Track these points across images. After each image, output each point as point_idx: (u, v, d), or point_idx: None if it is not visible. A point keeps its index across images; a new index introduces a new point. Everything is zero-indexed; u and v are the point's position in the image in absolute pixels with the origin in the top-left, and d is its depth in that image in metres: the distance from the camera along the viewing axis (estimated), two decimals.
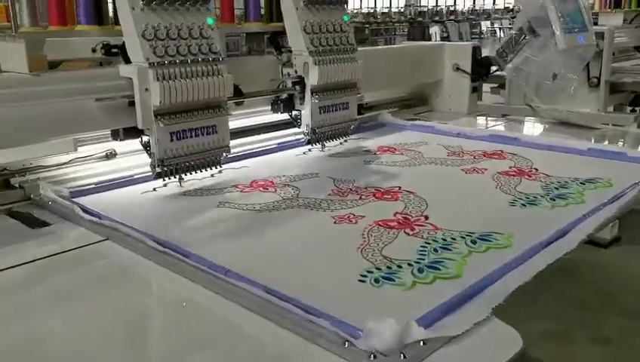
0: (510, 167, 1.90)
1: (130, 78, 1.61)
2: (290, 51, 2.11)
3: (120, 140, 1.74)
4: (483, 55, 2.96)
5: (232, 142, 2.16)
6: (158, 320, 1.09)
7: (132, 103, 1.64)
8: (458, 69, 2.96)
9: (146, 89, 1.62)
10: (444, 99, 3.04)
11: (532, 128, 2.76)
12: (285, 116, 2.18)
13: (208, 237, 1.37)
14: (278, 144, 2.21)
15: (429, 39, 5.55)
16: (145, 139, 1.70)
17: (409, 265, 1.19)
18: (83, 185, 1.71)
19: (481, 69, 2.94)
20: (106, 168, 1.85)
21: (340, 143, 2.29)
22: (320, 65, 2.06)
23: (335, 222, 1.44)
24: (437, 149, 2.18)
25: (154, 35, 1.60)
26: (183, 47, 1.66)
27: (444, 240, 1.31)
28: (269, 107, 2.18)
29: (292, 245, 1.33)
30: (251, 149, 2.13)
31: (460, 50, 2.97)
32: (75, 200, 1.61)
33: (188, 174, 1.75)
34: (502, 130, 2.31)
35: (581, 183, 1.71)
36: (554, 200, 1.57)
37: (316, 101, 2.09)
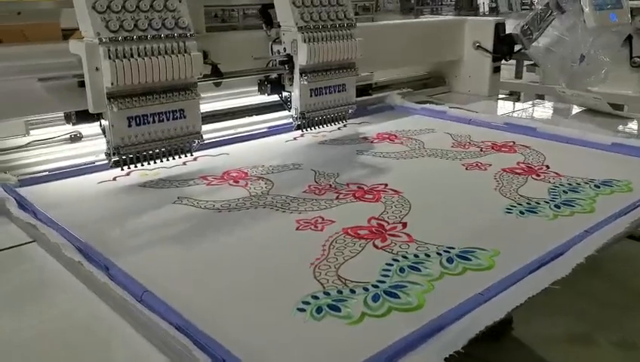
0: (519, 163, 1.67)
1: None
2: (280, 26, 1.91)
3: (72, 125, 1.59)
4: (507, 32, 2.68)
5: (217, 126, 2.01)
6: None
7: (83, 84, 1.47)
8: (479, 47, 2.70)
9: (97, 68, 1.45)
10: (464, 79, 2.79)
11: (559, 115, 2.48)
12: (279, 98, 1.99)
13: (147, 242, 1.21)
14: (269, 128, 2.03)
15: (477, 9, 5.24)
16: (104, 123, 1.54)
17: (365, 289, 1.00)
18: (36, 172, 1.57)
19: (503, 48, 2.67)
20: (70, 152, 1.71)
21: (338, 128, 2.09)
22: (310, 42, 1.85)
23: (298, 228, 1.25)
24: (442, 138, 1.95)
25: (107, 7, 1.43)
26: (143, 20, 1.48)
27: (416, 256, 1.11)
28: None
29: (236, 257, 1.14)
30: (236, 134, 1.95)
31: (481, 27, 2.70)
32: (23, 189, 1.47)
33: (152, 163, 1.58)
34: (518, 118, 2.06)
35: (595, 186, 1.47)
36: (559, 207, 1.34)
37: (305, 83, 1.88)
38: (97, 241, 1.17)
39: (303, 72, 1.89)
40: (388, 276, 1.04)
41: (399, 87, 2.72)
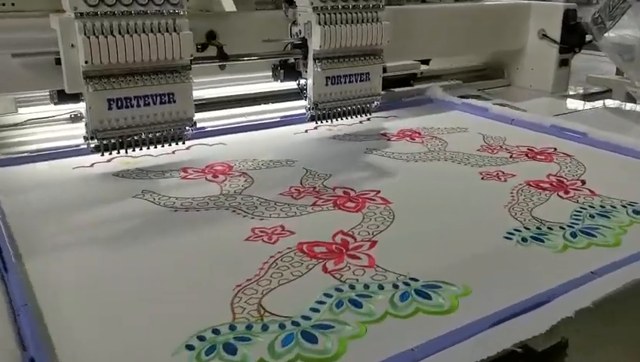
0: (549, 175, 1.40)
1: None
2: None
3: (55, 104, 1.50)
4: (578, 20, 2.34)
5: (228, 112, 1.88)
6: None
7: (60, 62, 1.37)
8: (544, 36, 2.38)
9: (72, 45, 1.34)
10: (525, 72, 2.48)
11: (629, 119, 2.13)
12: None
13: (76, 241, 1.09)
14: (282, 118, 1.86)
15: None
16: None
17: (281, 327, 0.82)
18: (18, 153, 1.50)
19: (572, 38, 2.34)
20: (68, 132, 1.64)
21: (360, 122, 1.89)
22: (325, 25, 1.65)
23: (249, 238, 1.09)
24: (471, 139, 1.71)
25: None
26: None
27: (366, 287, 0.92)
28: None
29: (154, 270, 0.99)
30: (243, 122, 1.80)
31: (548, 13, 2.38)
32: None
33: (138, 150, 1.47)
34: (569, 121, 1.76)
35: (634, 212, 1.19)
36: (574, 236, 1.09)
37: (319, 70, 1.70)
38: (26, 235, 1.07)
39: (317, 58, 1.70)
40: (318, 311, 0.85)
41: (449, 79, 2.46)
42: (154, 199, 1.27)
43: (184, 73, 1.48)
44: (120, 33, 1.36)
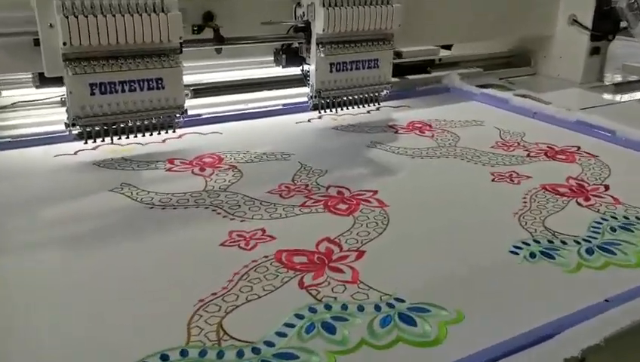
0: (569, 178, 1.27)
1: None
2: None
3: (36, 87, 1.41)
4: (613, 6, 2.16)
5: (227, 99, 1.77)
6: None
7: (38, 43, 1.28)
8: (575, 22, 2.20)
9: (51, 25, 1.25)
10: (553, 60, 2.31)
11: None
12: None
13: (37, 241, 0.99)
14: (284, 105, 1.75)
15: None
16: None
17: (252, 350, 0.72)
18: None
19: (605, 25, 2.16)
20: (58, 117, 1.55)
21: (367, 112, 1.76)
22: (329, 7, 1.53)
23: (224, 243, 0.99)
24: (486, 134, 1.57)
25: None
26: None
27: (344, 308, 0.81)
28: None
29: (109, 282, 0.88)
30: (241, 110, 1.69)
31: None
32: None
33: (125, 138, 1.38)
34: (597, 117, 1.60)
35: None
36: (591, 252, 0.96)
37: (322, 55, 1.58)
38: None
39: (320, 43, 1.58)
40: (284, 336, 0.75)
41: (469, 66, 2.31)
42: (131, 193, 1.17)
43: (173, 57, 1.38)
44: (102, 13, 1.26)
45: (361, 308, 0.81)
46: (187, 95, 1.76)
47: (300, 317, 0.79)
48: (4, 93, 1.54)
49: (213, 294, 0.83)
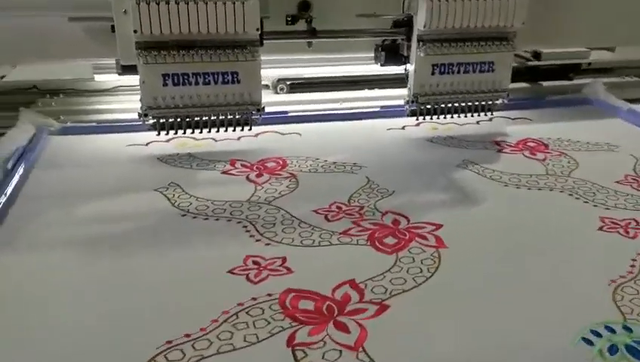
0: None
1: None
2: None
3: (119, 75, 1.39)
4: None
5: (317, 97, 1.64)
6: None
7: (114, 29, 1.25)
8: None
9: (125, 11, 1.21)
10: None
11: None
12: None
13: (58, 239, 0.95)
14: (381, 108, 1.58)
15: None
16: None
17: None
18: (83, 122, 1.44)
19: None
20: None
21: (477, 123, 1.53)
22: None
23: (232, 270, 0.86)
24: (616, 164, 1.27)
25: None
26: None
27: None
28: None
29: (100, 298, 0.80)
30: (331, 110, 1.56)
31: None
32: (57, 138, 1.37)
33: (198, 132, 1.32)
34: None
35: None
36: None
37: (422, 55, 1.38)
38: (17, 221, 0.98)
39: (421, 40, 1.38)
40: None
41: (627, 73, 1.93)
42: (173, 195, 1.10)
43: (251, 50, 1.28)
44: (175, 0, 1.19)
45: None
46: (282, 89, 1.68)
47: None
48: (97, 77, 1.55)
49: (186, 336, 0.72)
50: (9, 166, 1.18)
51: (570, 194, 1.12)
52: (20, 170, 1.18)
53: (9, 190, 1.10)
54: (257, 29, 1.25)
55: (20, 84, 1.55)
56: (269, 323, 0.74)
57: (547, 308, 0.79)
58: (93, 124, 1.44)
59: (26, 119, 1.37)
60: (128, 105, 1.53)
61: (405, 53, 1.45)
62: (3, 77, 1.66)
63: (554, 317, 0.77)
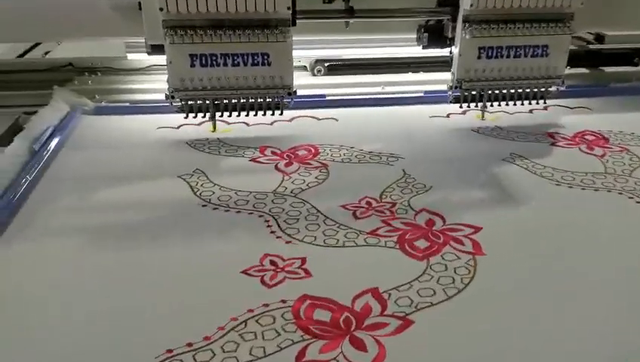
0: None
1: None
2: None
3: (148, 54, 1.34)
4: None
5: (356, 80, 1.55)
6: None
7: (141, 7, 1.20)
8: None
9: None
10: None
11: None
12: None
13: (77, 225, 0.91)
14: (425, 93, 1.48)
15: None
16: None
17: None
18: (116, 101, 1.41)
19: None
20: None
21: (530, 111, 1.41)
22: None
23: (246, 271, 0.80)
24: None
25: None
26: None
27: None
28: None
29: (100, 295, 0.76)
30: (371, 95, 1.47)
31: None
32: (89, 117, 1.35)
33: (228, 116, 1.26)
34: None
35: None
36: None
37: (468, 37, 1.27)
38: (38, 204, 0.96)
39: (467, 21, 1.27)
40: None
41: None
42: (196, 183, 1.05)
43: (282, 30, 1.20)
44: None
45: None
46: (320, 71, 1.60)
47: None
48: (130, 56, 1.51)
49: (188, 345, 0.66)
50: (36, 147, 1.16)
51: (630, 197, 1.00)
52: (49, 151, 1.16)
53: (34, 172, 1.07)
54: (288, 8, 1.18)
55: (56, 62, 1.53)
56: (279, 334, 0.68)
57: (585, 327, 0.69)
58: (127, 104, 1.41)
59: (60, 98, 1.35)
60: (164, 85, 1.50)
61: (450, 35, 1.35)
62: (48, 52, 1.66)
63: (589, 344, 0.67)
